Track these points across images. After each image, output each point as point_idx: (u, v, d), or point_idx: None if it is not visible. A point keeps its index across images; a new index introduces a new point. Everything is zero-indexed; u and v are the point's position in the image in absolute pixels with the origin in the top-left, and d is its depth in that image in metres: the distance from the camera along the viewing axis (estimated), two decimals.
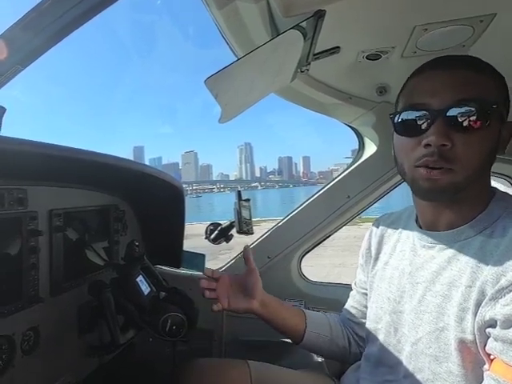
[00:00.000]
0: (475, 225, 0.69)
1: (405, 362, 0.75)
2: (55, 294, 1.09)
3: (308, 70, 1.05)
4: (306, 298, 1.62)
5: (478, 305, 0.62)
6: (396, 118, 0.72)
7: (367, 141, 1.53)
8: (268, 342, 1.49)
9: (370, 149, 1.50)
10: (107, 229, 1.38)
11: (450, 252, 0.71)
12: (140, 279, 1.20)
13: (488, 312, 0.60)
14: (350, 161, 1.62)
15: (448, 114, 0.63)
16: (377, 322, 0.87)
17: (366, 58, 1.05)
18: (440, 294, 0.69)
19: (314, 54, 0.98)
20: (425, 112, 0.66)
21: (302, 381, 1.06)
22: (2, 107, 0.79)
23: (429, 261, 0.75)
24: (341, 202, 1.54)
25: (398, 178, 1.48)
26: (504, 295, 0.58)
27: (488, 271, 0.62)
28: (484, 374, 0.61)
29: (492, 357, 0.60)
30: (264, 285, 1.63)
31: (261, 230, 1.69)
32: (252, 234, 1.53)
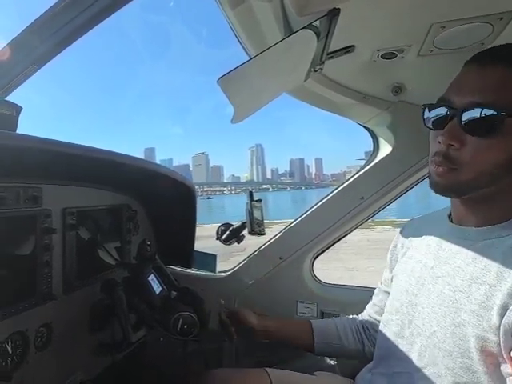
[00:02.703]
0: (508, 226, 0.67)
1: (417, 355, 0.75)
2: (68, 292, 1.10)
3: (322, 69, 1.04)
4: (318, 300, 1.60)
5: (505, 307, 0.60)
6: (426, 109, 0.73)
7: (382, 141, 1.50)
8: (280, 343, 1.48)
9: (385, 149, 1.47)
10: (119, 228, 1.39)
11: (477, 249, 0.69)
12: (152, 278, 1.21)
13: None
14: (363, 163, 1.60)
15: (463, 115, 0.62)
16: (392, 314, 0.86)
17: (381, 56, 1.03)
18: (460, 290, 0.68)
19: (328, 53, 0.97)
20: (446, 108, 0.66)
21: None
22: (19, 106, 0.81)
23: (453, 255, 0.74)
24: (354, 204, 1.52)
25: (414, 178, 1.46)
26: None
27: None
28: (508, 379, 0.59)
29: None
30: (275, 286, 1.64)
31: (272, 232, 1.68)
32: (264, 234, 1.53)
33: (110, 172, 1.13)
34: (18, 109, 0.80)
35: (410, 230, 0.96)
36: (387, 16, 0.85)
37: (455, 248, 0.75)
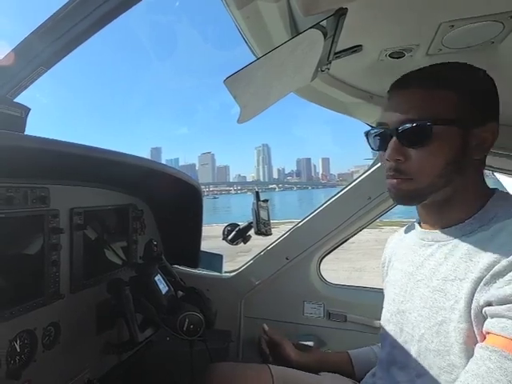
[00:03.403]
0: (472, 222, 0.72)
1: (414, 362, 0.75)
2: (75, 291, 1.11)
3: (329, 69, 1.03)
4: (325, 300, 1.60)
5: (471, 293, 0.63)
6: (368, 134, 0.82)
7: None
8: None
9: None
10: (126, 228, 1.40)
11: (447, 248, 0.74)
12: (158, 278, 1.21)
13: (482, 297, 0.61)
14: (371, 162, 1.59)
15: (400, 132, 0.70)
16: (385, 325, 0.88)
17: (389, 56, 1.02)
18: (437, 289, 0.72)
19: (335, 53, 0.96)
20: (384, 130, 0.75)
21: None
22: (27, 107, 0.82)
23: (428, 258, 0.78)
24: (362, 204, 1.51)
25: None
26: (498, 279, 0.59)
27: (481, 262, 0.64)
28: (479, 349, 0.60)
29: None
30: (282, 286, 1.64)
31: (279, 232, 1.67)
32: (270, 235, 1.52)
33: (116, 172, 1.14)
34: (26, 110, 0.81)
35: (393, 242, 1.01)
36: (395, 15, 0.84)
37: (428, 251, 0.79)
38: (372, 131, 0.79)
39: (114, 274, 1.30)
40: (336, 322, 1.57)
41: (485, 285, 0.61)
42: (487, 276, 0.61)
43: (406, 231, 0.95)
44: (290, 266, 1.62)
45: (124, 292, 1.11)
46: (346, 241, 1.64)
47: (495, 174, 1.64)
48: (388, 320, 0.87)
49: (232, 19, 0.81)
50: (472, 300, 0.63)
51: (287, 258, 1.61)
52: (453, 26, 0.86)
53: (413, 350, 0.76)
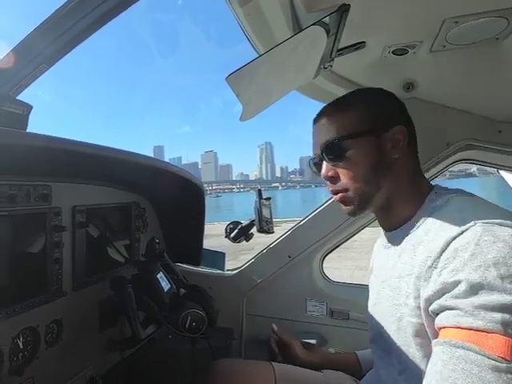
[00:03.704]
0: (415, 220, 0.77)
1: (395, 361, 0.78)
2: (78, 289, 1.11)
3: (331, 66, 1.03)
4: (328, 298, 1.60)
5: (417, 288, 0.67)
6: (310, 164, 0.92)
7: None
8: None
9: None
10: (128, 226, 1.40)
11: (400, 248, 0.79)
12: (160, 276, 1.22)
13: (425, 293, 0.64)
14: None
15: (323, 155, 0.81)
16: (370, 330, 0.92)
17: (392, 53, 1.01)
18: (394, 287, 0.77)
19: (338, 50, 0.96)
20: (316, 158, 0.86)
21: (325, 382, 1.06)
22: (29, 105, 0.82)
23: (387, 260, 0.84)
24: None
25: (426, 176, 1.44)
26: (432, 273, 0.63)
27: (419, 258, 0.68)
28: (434, 347, 0.60)
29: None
30: (285, 284, 1.63)
31: (282, 231, 1.67)
32: (272, 232, 1.52)
33: (119, 170, 1.14)
34: (28, 107, 0.81)
35: (376, 246, 1.05)
36: (398, 11, 0.84)
37: (387, 252, 0.86)
38: (311, 161, 0.91)
39: (116, 271, 1.30)
40: (339, 319, 1.57)
41: (424, 281, 0.65)
42: (423, 271, 0.65)
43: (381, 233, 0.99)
44: (293, 264, 1.62)
45: (126, 290, 1.11)
46: (348, 239, 1.63)
47: (500, 171, 1.63)
48: (370, 322, 0.91)
49: (234, 16, 0.81)
50: (419, 296, 0.66)
51: (289, 256, 1.61)
52: (457, 22, 0.85)
53: (392, 350, 0.78)
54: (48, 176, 0.99)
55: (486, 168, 1.56)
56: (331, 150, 0.80)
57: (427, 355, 0.66)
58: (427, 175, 1.44)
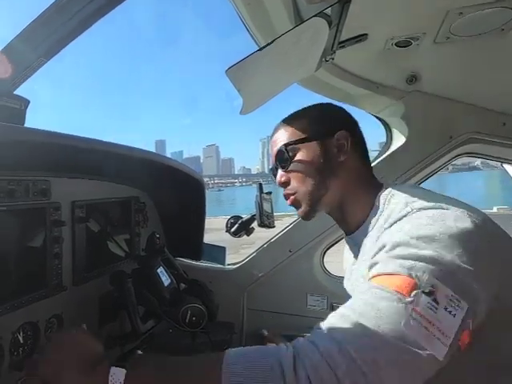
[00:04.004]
0: (369, 222, 0.80)
1: None
2: (78, 284, 1.11)
3: (333, 58, 1.01)
4: (328, 293, 1.59)
5: None
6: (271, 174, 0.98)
7: (395, 132, 1.47)
8: (289, 336, 1.48)
9: (399, 140, 1.43)
10: (128, 221, 1.40)
11: (360, 251, 0.82)
12: (160, 270, 1.21)
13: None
14: (376, 154, 1.57)
15: (276, 162, 0.89)
16: None
17: (395, 45, 1.00)
18: (356, 285, 0.82)
19: (340, 42, 0.94)
20: (273, 169, 0.94)
21: None
22: (26, 99, 0.81)
23: (353, 263, 0.88)
24: None
25: (429, 170, 1.43)
26: (375, 261, 0.66)
27: (371, 252, 0.71)
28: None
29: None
30: (285, 279, 1.63)
31: (283, 224, 1.66)
32: (273, 227, 1.51)
33: (118, 165, 1.13)
34: (25, 102, 0.80)
35: (345, 253, 1.05)
36: (401, 2, 0.82)
37: (351, 257, 0.91)
38: (270, 172, 0.97)
39: (116, 266, 1.30)
40: None
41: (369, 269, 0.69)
42: (371, 263, 0.68)
43: None
44: (293, 259, 1.61)
45: (126, 284, 1.11)
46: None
47: (504, 165, 1.62)
48: None
49: (234, 8, 0.80)
50: None
51: (290, 251, 1.61)
52: (461, 13, 0.84)
53: None
54: (47, 171, 0.98)
55: (489, 162, 1.55)
56: (281, 158, 0.87)
57: None
58: (430, 169, 1.43)
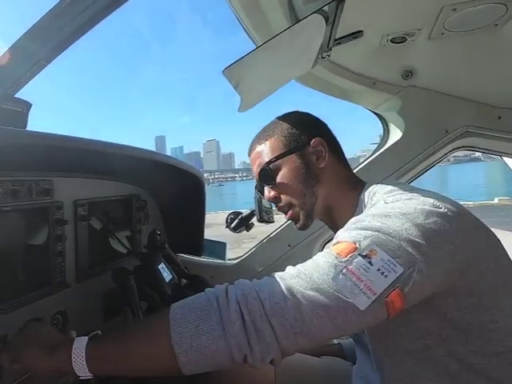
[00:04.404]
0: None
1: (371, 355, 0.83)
2: (81, 280, 1.13)
3: (329, 55, 1.02)
4: None
5: None
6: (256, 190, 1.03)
7: (392, 127, 1.48)
8: None
9: (396, 135, 1.45)
10: (129, 218, 1.41)
11: None
12: (162, 267, 1.23)
13: None
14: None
15: (260, 181, 0.91)
16: None
17: (391, 41, 1.01)
18: None
19: (336, 40, 0.95)
20: (258, 186, 0.98)
21: (323, 367, 1.08)
22: (28, 103, 0.82)
23: None
24: None
25: (425, 164, 1.44)
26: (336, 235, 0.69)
27: None
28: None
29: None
30: None
31: (283, 218, 1.67)
32: (273, 222, 1.53)
33: (119, 164, 1.14)
34: (27, 105, 0.81)
35: None
36: (395, 0, 0.83)
37: None
38: (256, 189, 1.02)
39: (118, 263, 1.32)
40: None
41: None
42: None
43: None
44: (293, 253, 1.63)
45: (129, 281, 1.13)
46: None
47: (503, 158, 1.63)
48: None
49: (230, 7, 0.80)
50: None
51: (289, 245, 1.63)
52: (455, 9, 0.85)
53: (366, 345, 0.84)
54: (49, 171, 0.99)
55: None
56: (264, 176, 0.88)
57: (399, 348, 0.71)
58: (427, 162, 1.44)
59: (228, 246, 1.88)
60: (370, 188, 0.81)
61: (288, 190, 0.87)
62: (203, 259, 1.77)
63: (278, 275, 0.64)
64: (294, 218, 0.90)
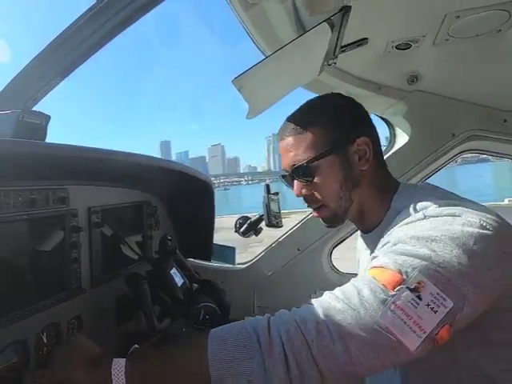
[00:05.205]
0: (384, 223, 0.79)
1: None
2: (95, 286, 1.16)
3: (335, 62, 1.04)
4: None
5: None
6: (282, 178, 0.91)
7: (399, 131, 1.50)
8: None
9: (402, 139, 1.46)
10: (141, 224, 1.44)
11: (373, 251, 0.79)
12: (174, 272, 1.25)
13: None
14: (383, 149, 1.59)
15: (293, 175, 0.82)
16: None
17: (396, 47, 1.02)
18: None
19: (342, 47, 0.97)
20: (286, 175, 0.86)
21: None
22: (47, 115, 0.85)
23: (367, 261, 0.83)
24: None
25: (432, 167, 1.45)
26: (376, 255, 0.68)
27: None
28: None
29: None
30: (294, 277, 1.67)
31: (291, 222, 1.69)
32: (281, 227, 1.54)
33: (129, 172, 1.17)
34: (46, 118, 0.85)
35: (357, 245, 1.04)
36: (400, 7, 0.85)
37: (365, 254, 0.90)
38: (282, 177, 0.91)
39: (131, 268, 1.34)
40: None
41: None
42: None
43: None
44: (302, 257, 1.65)
45: (142, 286, 1.15)
46: (357, 230, 1.64)
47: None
48: None
49: (239, 20, 0.83)
50: None
51: (299, 249, 1.64)
52: (458, 16, 0.86)
53: None
54: (65, 180, 1.03)
55: None
56: (300, 172, 0.80)
57: None
58: (434, 166, 1.45)
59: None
60: (404, 191, 0.79)
61: (324, 190, 0.80)
62: (213, 264, 1.79)
63: (322, 308, 0.60)
64: (324, 218, 0.85)
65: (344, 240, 1.68)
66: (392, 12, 0.88)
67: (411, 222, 0.68)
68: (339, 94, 0.89)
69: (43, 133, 0.86)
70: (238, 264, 1.82)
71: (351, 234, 1.66)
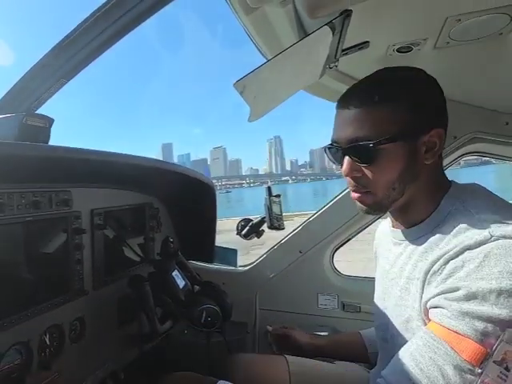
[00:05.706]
0: (429, 222, 0.73)
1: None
2: (98, 288, 1.17)
3: (337, 65, 1.05)
4: (339, 291, 1.62)
5: (422, 293, 0.68)
6: (326, 150, 0.81)
7: None
8: None
9: None
10: (143, 226, 1.45)
11: (411, 248, 0.76)
12: (175, 274, 1.26)
13: (426, 295, 0.65)
14: None
15: (349, 152, 0.72)
16: (376, 319, 0.91)
17: (397, 51, 1.03)
18: (403, 288, 0.75)
19: (343, 50, 0.97)
20: (336, 148, 0.76)
21: (338, 373, 1.09)
22: (51, 118, 0.86)
23: (398, 257, 0.81)
24: None
25: None
26: (436, 278, 0.64)
27: (430, 262, 0.67)
28: (419, 331, 0.65)
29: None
30: (296, 279, 1.67)
31: (293, 224, 1.70)
32: (283, 229, 1.55)
33: (132, 174, 1.18)
34: (50, 121, 0.85)
35: (379, 232, 1.01)
36: (401, 11, 0.85)
37: (398, 250, 0.82)
38: (328, 149, 0.79)
39: (133, 270, 1.35)
40: (350, 312, 1.59)
41: (428, 284, 0.66)
42: (429, 276, 0.66)
43: (386, 225, 0.95)
44: (304, 259, 1.65)
45: (144, 287, 1.16)
46: (359, 233, 1.65)
47: None
48: (377, 315, 0.90)
49: (240, 24, 0.83)
50: (421, 299, 0.67)
51: (300, 252, 1.64)
52: (459, 19, 0.86)
53: (398, 346, 0.74)
54: (68, 182, 1.04)
55: None
56: (358, 152, 0.70)
57: None
58: None
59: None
60: (456, 192, 0.74)
61: (378, 177, 0.71)
62: (215, 266, 1.80)
63: None
64: (364, 202, 0.75)
65: (346, 242, 1.68)
66: (393, 15, 0.88)
67: (478, 245, 0.59)
68: (423, 73, 0.78)
69: (47, 135, 0.87)
70: (240, 266, 1.82)
71: (353, 237, 1.67)
